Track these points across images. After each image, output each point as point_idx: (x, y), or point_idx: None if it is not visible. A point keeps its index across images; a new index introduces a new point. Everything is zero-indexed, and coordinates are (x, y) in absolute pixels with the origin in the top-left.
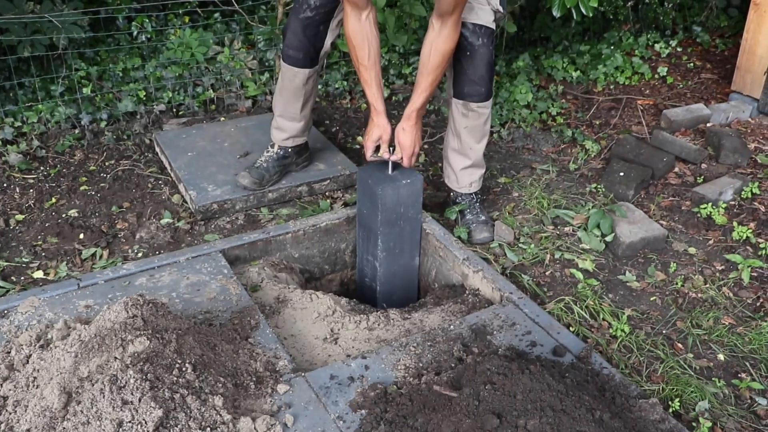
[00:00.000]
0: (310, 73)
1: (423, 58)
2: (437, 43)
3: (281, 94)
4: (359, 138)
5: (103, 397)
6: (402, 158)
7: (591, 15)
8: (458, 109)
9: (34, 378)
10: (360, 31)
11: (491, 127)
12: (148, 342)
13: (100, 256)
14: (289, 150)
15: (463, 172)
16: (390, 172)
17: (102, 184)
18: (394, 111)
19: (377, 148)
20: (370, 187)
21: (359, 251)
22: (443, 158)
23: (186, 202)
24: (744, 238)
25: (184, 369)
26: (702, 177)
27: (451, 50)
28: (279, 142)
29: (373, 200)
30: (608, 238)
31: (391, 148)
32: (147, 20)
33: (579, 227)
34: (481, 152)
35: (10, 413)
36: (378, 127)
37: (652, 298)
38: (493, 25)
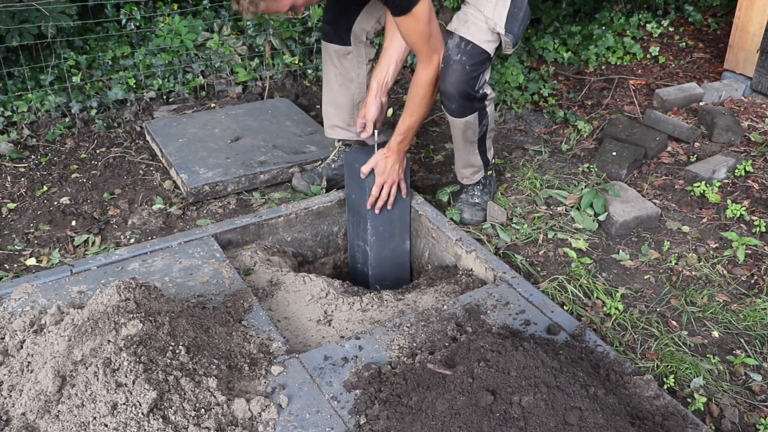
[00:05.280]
0: (338, 50)
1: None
2: (415, 75)
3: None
4: None
5: (97, 379)
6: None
7: None
8: None
9: (29, 362)
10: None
11: None
12: (141, 325)
13: (93, 243)
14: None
15: (457, 166)
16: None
17: (93, 172)
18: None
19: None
20: (358, 171)
21: (350, 237)
22: None
23: (178, 188)
24: (737, 215)
25: (177, 351)
26: (695, 156)
27: (423, 84)
28: (325, 130)
29: (360, 184)
30: (601, 218)
31: (376, 132)
32: (135, 8)
33: (572, 207)
34: (466, 156)
35: (5, 397)
36: (364, 105)
37: (645, 277)
38: (484, 46)
